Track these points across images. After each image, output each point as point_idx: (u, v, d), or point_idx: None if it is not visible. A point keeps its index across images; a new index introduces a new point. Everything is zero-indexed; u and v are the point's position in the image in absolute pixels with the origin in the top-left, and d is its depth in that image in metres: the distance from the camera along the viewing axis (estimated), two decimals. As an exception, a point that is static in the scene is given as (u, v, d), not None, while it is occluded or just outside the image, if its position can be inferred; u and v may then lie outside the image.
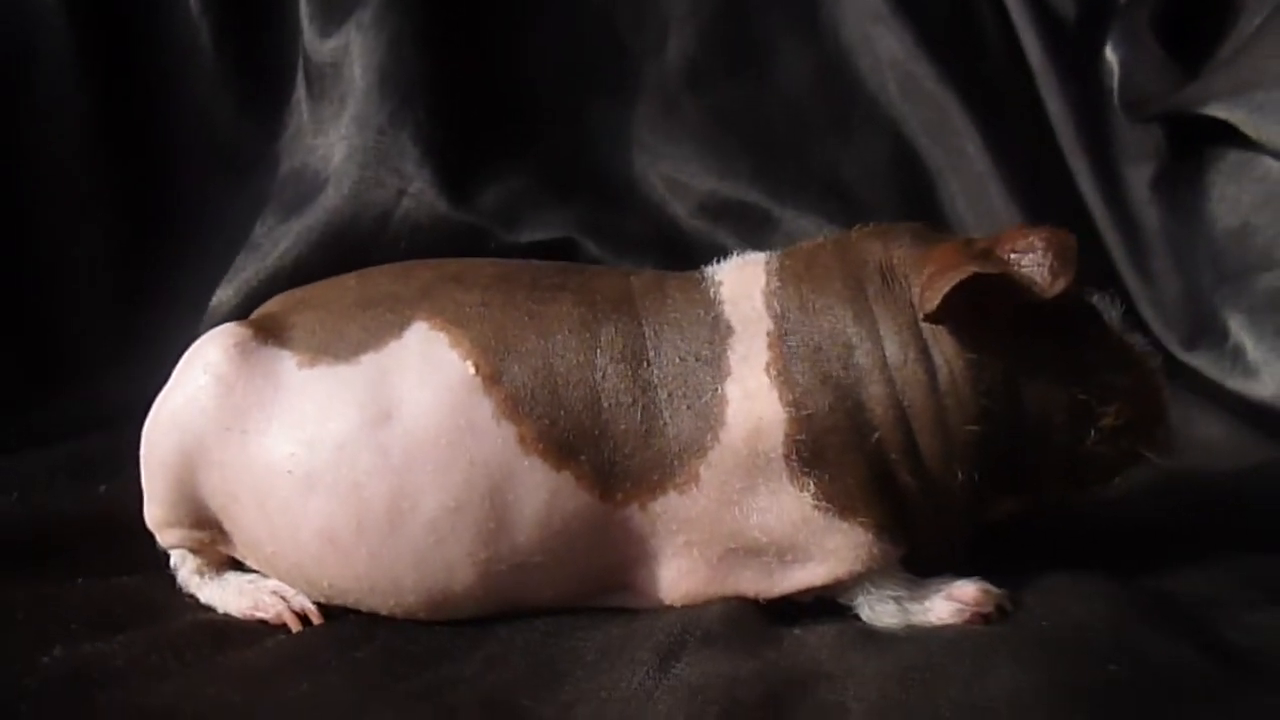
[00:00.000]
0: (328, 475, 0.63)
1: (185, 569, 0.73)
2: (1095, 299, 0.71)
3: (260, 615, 0.69)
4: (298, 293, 0.77)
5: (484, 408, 0.64)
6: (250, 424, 0.66)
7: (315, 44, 1.11)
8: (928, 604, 0.64)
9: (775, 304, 0.66)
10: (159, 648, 0.63)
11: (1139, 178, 1.27)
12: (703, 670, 0.52)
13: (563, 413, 0.64)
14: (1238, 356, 1.12)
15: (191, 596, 0.73)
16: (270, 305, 0.77)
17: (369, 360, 0.66)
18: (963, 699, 0.49)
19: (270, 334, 0.69)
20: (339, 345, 0.67)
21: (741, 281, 0.68)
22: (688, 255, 1.14)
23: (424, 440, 0.63)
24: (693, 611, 0.62)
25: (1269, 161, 1.06)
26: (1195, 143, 1.20)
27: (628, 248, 1.10)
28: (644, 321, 0.67)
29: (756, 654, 0.55)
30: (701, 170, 1.17)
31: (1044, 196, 1.27)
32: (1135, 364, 0.67)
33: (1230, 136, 1.13)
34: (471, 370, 0.65)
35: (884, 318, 0.64)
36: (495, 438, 0.63)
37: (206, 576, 0.73)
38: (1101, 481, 0.69)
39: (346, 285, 0.75)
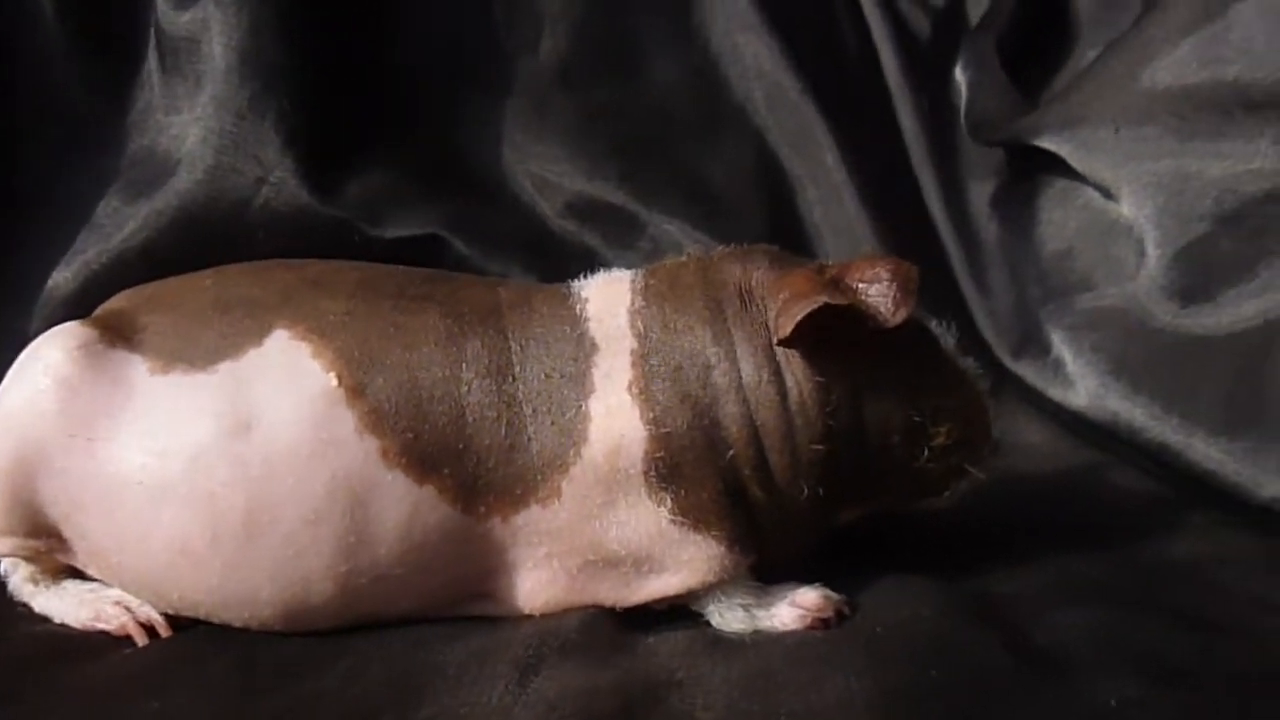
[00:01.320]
0: (181, 486, 0.62)
1: (17, 576, 0.71)
2: (932, 325, 0.77)
3: (102, 626, 0.67)
4: (147, 289, 0.74)
5: (346, 421, 0.64)
6: (97, 431, 0.64)
7: (169, 15, 1.06)
8: (773, 610, 0.68)
9: (639, 323, 0.68)
10: (-6, 668, 0.60)
11: (980, 194, 1.36)
12: (561, 683, 0.55)
13: (427, 427, 0.65)
14: (1058, 368, 1.21)
15: (24, 605, 0.70)
16: (116, 301, 0.74)
17: (226, 369, 0.65)
18: (799, 706, 0.53)
19: (119, 335, 0.67)
20: (194, 351, 0.66)
21: (607, 299, 0.70)
22: (555, 256, 1.17)
23: (284, 452, 0.63)
24: (551, 621, 0.65)
25: (1092, 192, 1.16)
26: (1029, 167, 1.31)
27: (495, 247, 1.10)
28: (510, 336, 0.68)
29: (612, 664, 0.58)
30: (570, 170, 1.18)
31: (894, 208, 1.34)
32: (965, 387, 0.74)
33: (1060, 165, 1.23)
34: (334, 382, 0.64)
35: (741, 339, 0.68)
36: (357, 451, 0.63)
37: (41, 585, 0.70)
38: (934, 494, 0.75)
39: (201, 285, 0.73)
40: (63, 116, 1.08)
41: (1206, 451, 0.95)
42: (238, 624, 0.65)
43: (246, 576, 0.63)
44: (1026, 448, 1.24)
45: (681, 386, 0.66)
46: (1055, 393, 1.24)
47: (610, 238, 1.17)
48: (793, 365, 0.67)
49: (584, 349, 0.67)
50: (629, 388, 0.66)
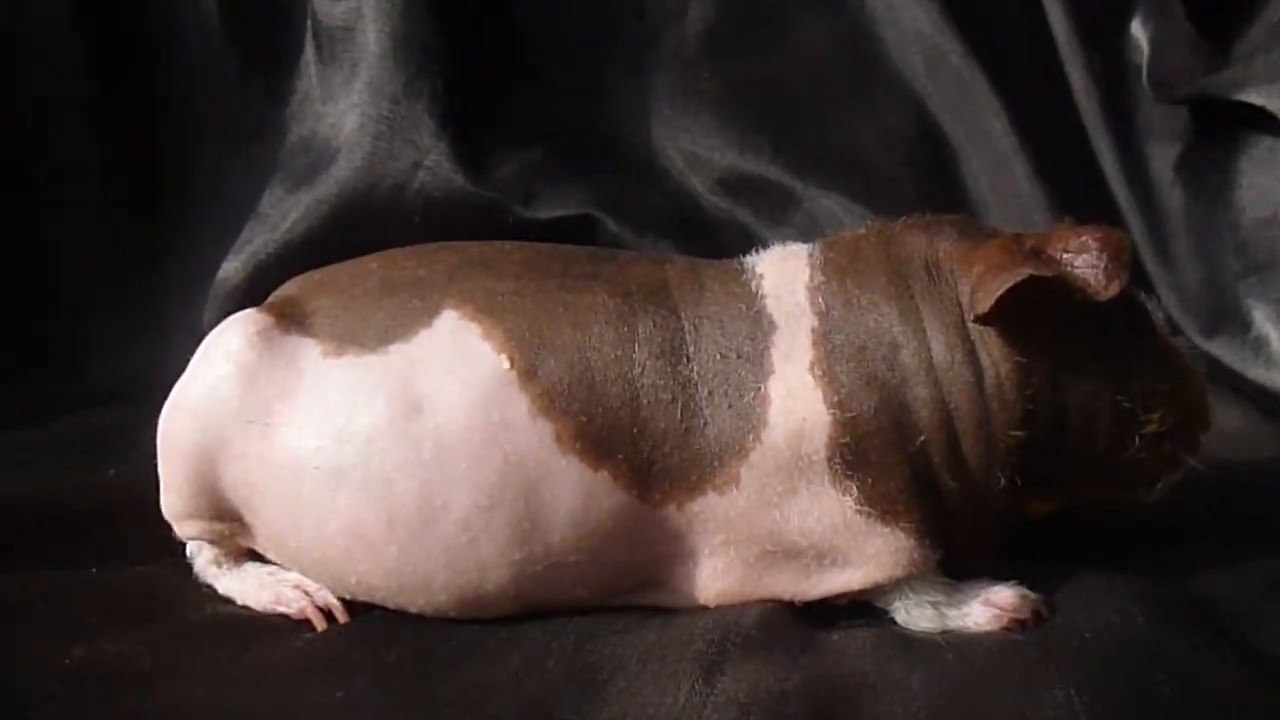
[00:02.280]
0: (356, 471, 0.62)
1: (202, 558, 0.72)
2: (1142, 299, 0.70)
3: (282, 610, 0.68)
4: (316, 275, 0.74)
5: (519, 404, 0.62)
6: (274, 416, 0.64)
7: (325, 6, 1.08)
8: (965, 609, 0.63)
9: (819, 299, 0.64)
10: (183, 647, 0.61)
11: (1163, 158, 1.25)
12: (748, 684, 0.52)
13: (600, 410, 0.62)
14: (1260, 347, 1.11)
15: (209, 587, 0.72)
16: (288, 288, 0.74)
17: (397, 350, 0.64)
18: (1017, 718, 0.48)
19: (292, 321, 0.67)
20: (365, 333, 0.66)
21: (784, 274, 0.66)
22: (708, 233, 1.14)
23: (456, 436, 0.62)
24: (729, 615, 0.62)
25: (1304, 153, 1.05)
26: (1224, 126, 1.19)
27: (647, 225, 1.08)
28: (682, 314, 0.65)
29: (800, 664, 0.55)
30: (721, 144, 1.15)
31: (1066, 176, 1.25)
32: (1180, 370, 0.67)
33: (1262, 123, 1.12)
34: (506, 364, 0.63)
35: (930, 316, 0.63)
36: (530, 435, 0.62)
37: (225, 567, 0.72)
38: (1144, 486, 0.67)
39: (368, 268, 0.73)
40: (225, 109, 1.11)
41: None
42: (413, 609, 0.65)
43: (421, 562, 0.62)
44: (1225, 434, 1.14)
45: (867, 367, 0.62)
46: (1257, 373, 1.14)
47: (764, 213, 1.13)
48: (989, 344, 0.62)
49: (761, 328, 0.64)
50: (811, 368, 0.62)
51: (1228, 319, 1.20)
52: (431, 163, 1.02)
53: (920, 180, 1.19)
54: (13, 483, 0.84)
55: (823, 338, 0.63)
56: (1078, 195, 1.25)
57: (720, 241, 1.11)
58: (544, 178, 1.05)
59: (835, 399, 0.62)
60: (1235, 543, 0.77)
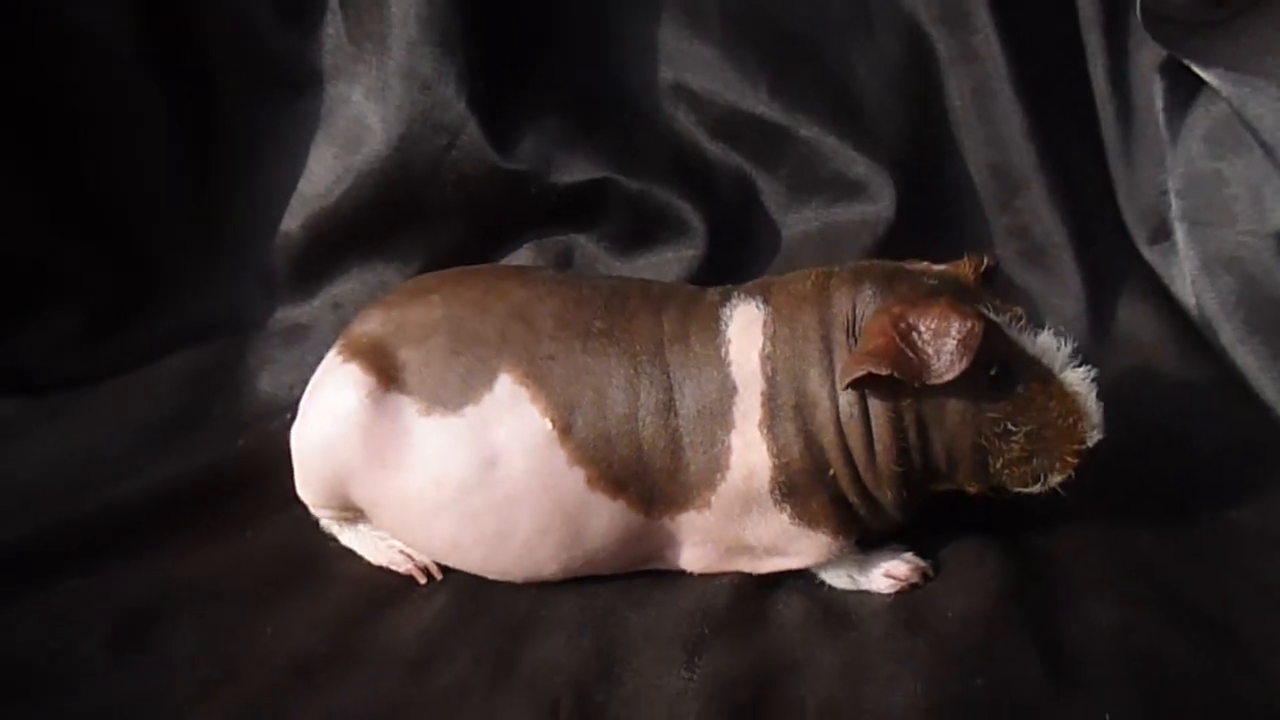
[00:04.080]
0: (450, 507, 0.92)
1: (326, 518, 1.04)
2: (1040, 337, 0.91)
3: (394, 568, 1.00)
4: (392, 311, 0.99)
5: (560, 457, 0.91)
6: (388, 460, 0.93)
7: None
8: (870, 577, 0.95)
9: (768, 368, 0.90)
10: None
11: (1148, 61, 1.35)
12: (714, 669, 0.83)
13: (616, 457, 0.91)
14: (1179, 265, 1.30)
15: (333, 539, 1.03)
16: (369, 324, 0.99)
17: (471, 412, 0.92)
18: (879, 705, 0.80)
19: (389, 378, 0.94)
20: (445, 394, 0.93)
21: (745, 341, 0.92)
22: (711, 180, 1.32)
23: (519, 483, 0.91)
24: (705, 597, 0.93)
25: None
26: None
27: (658, 180, 1.26)
28: (671, 375, 0.92)
29: (752, 644, 0.87)
30: (722, 86, 1.28)
31: (1051, 81, 1.37)
32: (1041, 411, 0.88)
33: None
34: (550, 426, 0.91)
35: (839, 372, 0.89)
36: (570, 479, 0.91)
37: (344, 524, 1.03)
38: (1021, 488, 0.92)
39: (433, 313, 0.97)
40: (265, 60, 1.26)
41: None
42: (491, 578, 0.97)
43: (498, 564, 0.94)
44: (1141, 345, 1.39)
45: (797, 422, 0.89)
46: (1178, 288, 1.35)
47: (759, 157, 1.30)
48: (874, 402, 0.88)
49: (727, 390, 0.91)
50: (759, 425, 0.90)
51: (1165, 230, 1.40)
52: (462, 143, 1.19)
53: (907, 107, 1.32)
54: (156, 462, 1.10)
55: (769, 399, 0.90)
56: (1059, 97, 1.39)
57: (720, 188, 1.30)
58: (561, 145, 1.22)
59: (775, 449, 0.89)
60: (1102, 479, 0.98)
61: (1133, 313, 1.36)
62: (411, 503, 0.93)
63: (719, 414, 0.90)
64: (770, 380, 0.90)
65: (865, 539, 0.96)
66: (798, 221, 1.32)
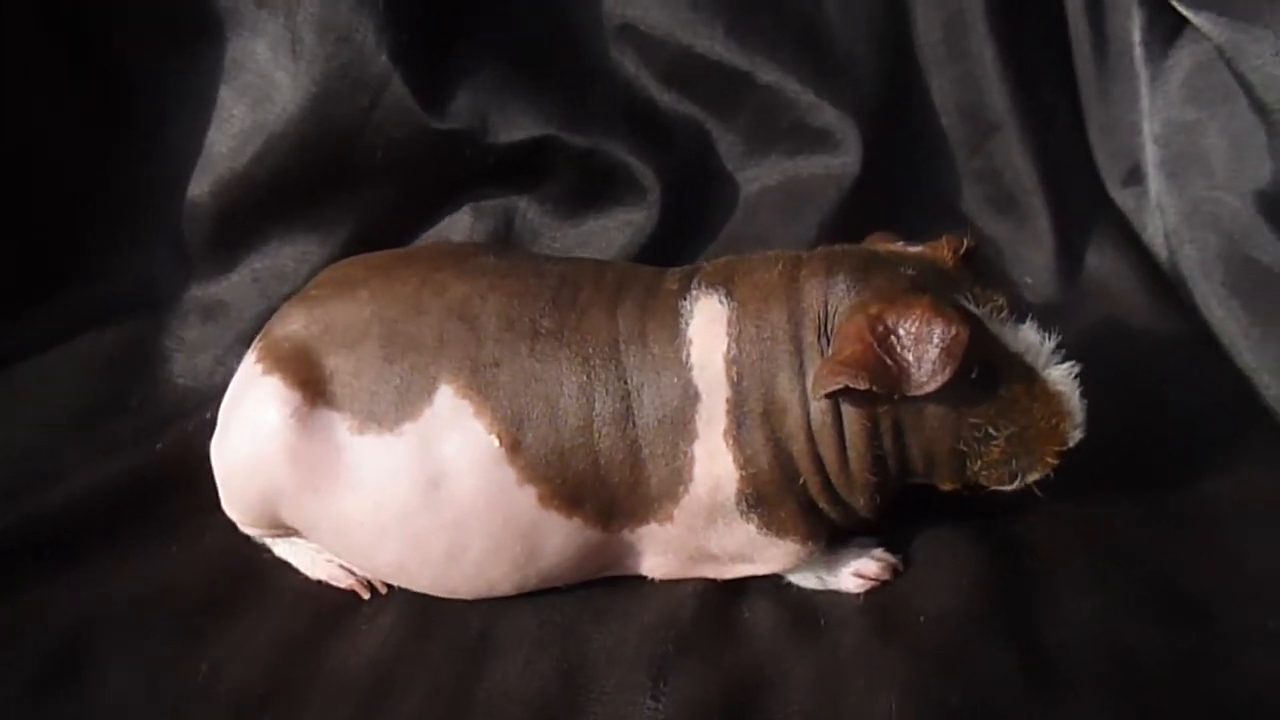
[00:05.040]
0: (394, 530, 0.86)
1: (256, 534, 0.97)
2: (1021, 332, 0.87)
3: (334, 583, 0.94)
4: (316, 310, 0.91)
5: (509, 475, 0.85)
6: (320, 484, 0.86)
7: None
8: (839, 578, 0.92)
9: (733, 372, 0.85)
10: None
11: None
12: (683, 695, 0.81)
13: (570, 473, 0.86)
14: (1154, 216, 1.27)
15: (267, 550, 0.97)
16: (289, 324, 0.91)
17: (410, 430, 0.85)
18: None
19: (315, 392, 0.86)
20: (380, 409, 0.86)
21: (707, 343, 0.86)
22: (663, 131, 1.23)
23: (466, 503, 0.85)
24: (669, 610, 0.89)
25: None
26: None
27: (605, 135, 1.16)
28: (629, 380, 0.86)
29: (721, 661, 0.84)
30: (675, 25, 1.17)
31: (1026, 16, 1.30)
32: (1025, 413, 0.85)
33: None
34: (496, 442, 0.85)
35: (811, 376, 0.83)
36: (521, 498, 0.85)
37: (278, 538, 0.97)
38: (997, 486, 0.89)
39: (361, 311, 0.89)
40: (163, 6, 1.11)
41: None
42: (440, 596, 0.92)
43: (448, 584, 0.89)
44: (1111, 296, 1.36)
45: (765, 430, 0.85)
46: (1149, 234, 1.31)
47: (715, 106, 1.21)
48: (848, 409, 0.83)
49: (689, 396, 0.85)
50: (724, 435, 0.85)
51: (1139, 172, 1.35)
52: (386, 103, 1.07)
53: (875, 52, 1.24)
54: (68, 467, 1.02)
55: (734, 406, 0.85)
56: (1032, 32, 1.31)
57: (674, 139, 1.21)
58: (498, 100, 1.11)
59: (742, 460, 0.85)
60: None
61: (1102, 262, 1.33)
62: (350, 527, 0.88)
63: (681, 423, 0.85)
64: (736, 386, 0.84)
65: (833, 534, 0.93)
66: (757, 176, 1.24)
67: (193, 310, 1.18)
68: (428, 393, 0.85)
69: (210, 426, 0.95)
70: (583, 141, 1.15)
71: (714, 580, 0.92)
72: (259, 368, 0.89)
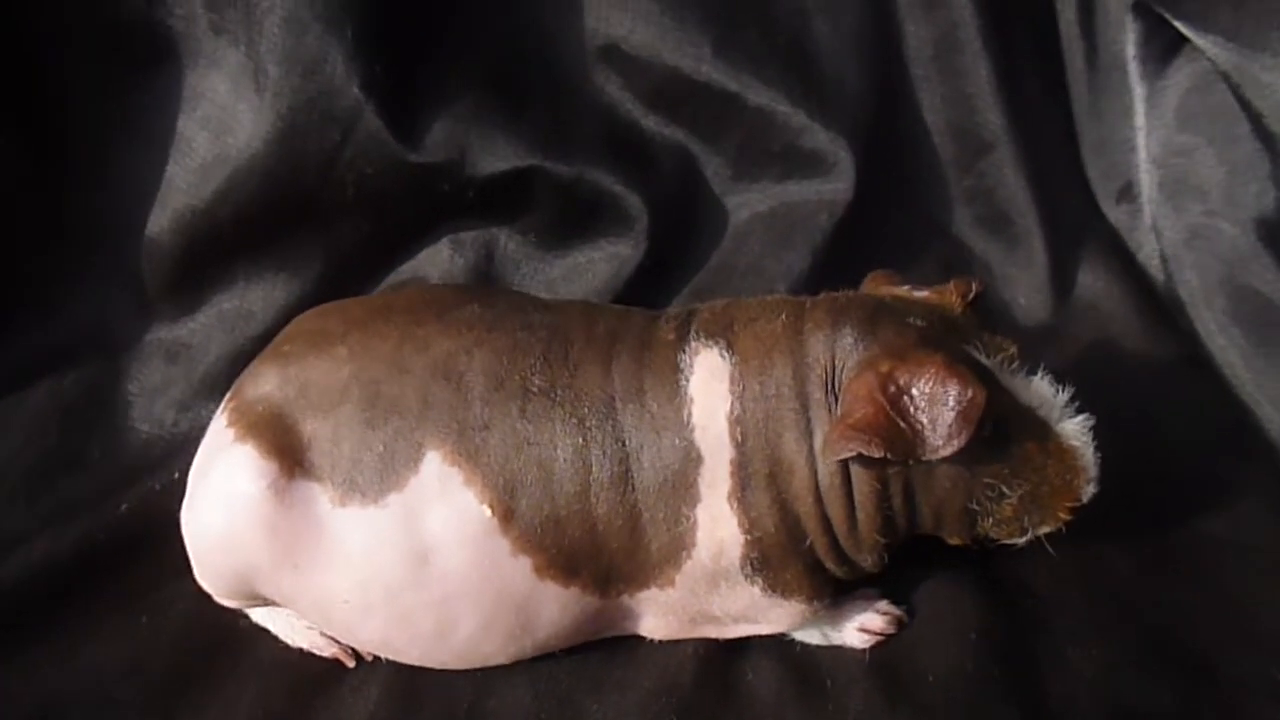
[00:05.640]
0: (380, 608, 0.82)
1: (232, 605, 0.92)
2: (1034, 385, 0.83)
3: (317, 652, 0.90)
4: (290, 369, 0.86)
5: (502, 546, 0.81)
6: (300, 561, 0.82)
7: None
8: (843, 633, 0.89)
9: (737, 432, 0.81)
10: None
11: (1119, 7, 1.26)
12: None
13: (566, 541, 0.82)
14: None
15: (244, 615, 0.92)
16: (263, 384, 0.85)
17: (395, 501, 0.80)
18: None
19: (293, 460, 0.81)
20: (363, 479, 0.81)
21: (709, 400, 0.82)
22: (649, 158, 1.18)
23: (457, 578, 0.81)
24: (671, 672, 0.86)
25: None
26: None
27: (590, 163, 1.11)
28: (626, 442, 0.82)
29: None
30: (661, 46, 1.12)
31: (1018, 26, 1.26)
32: (1040, 470, 0.82)
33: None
34: (488, 513, 0.80)
35: (818, 435, 0.80)
36: (515, 570, 0.81)
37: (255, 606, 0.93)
38: (1009, 540, 0.86)
39: (340, 370, 0.84)
40: (122, 28, 1.04)
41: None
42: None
43: (438, 658, 0.85)
44: (1105, 318, 1.33)
45: (771, 492, 0.81)
46: (1144, 254, 1.29)
47: (703, 130, 1.17)
48: (857, 471, 0.80)
49: (691, 459, 0.81)
50: (728, 498, 0.81)
51: (1133, 189, 1.33)
52: (358, 138, 1.02)
53: (864, 70, 1.20)
54: (25, 531, 0.96)
55: (739, 468, 0.81)
56: (1024, 43, 1.28)
57: (661, 163, 1.17)
58: (476, 131, 1.06)
59: (746, 523, 0.82)
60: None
61: (1095, 282, 1.31)
62: (333, 604, 0.83)
63: (682, 486, 0.81)
64: (740, 446, 0.81)
65: (837, 588, 0.90)
66: (746, 202, 1.20)
67: (154, 354, 1.12)
68: (413, 460, 0.81)
69: (178, 487, 0.90)
70: (565, 170, 1.10)
71: (715, 639, 0.90)
72: (230, 433, 0.84)
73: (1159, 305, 1.24)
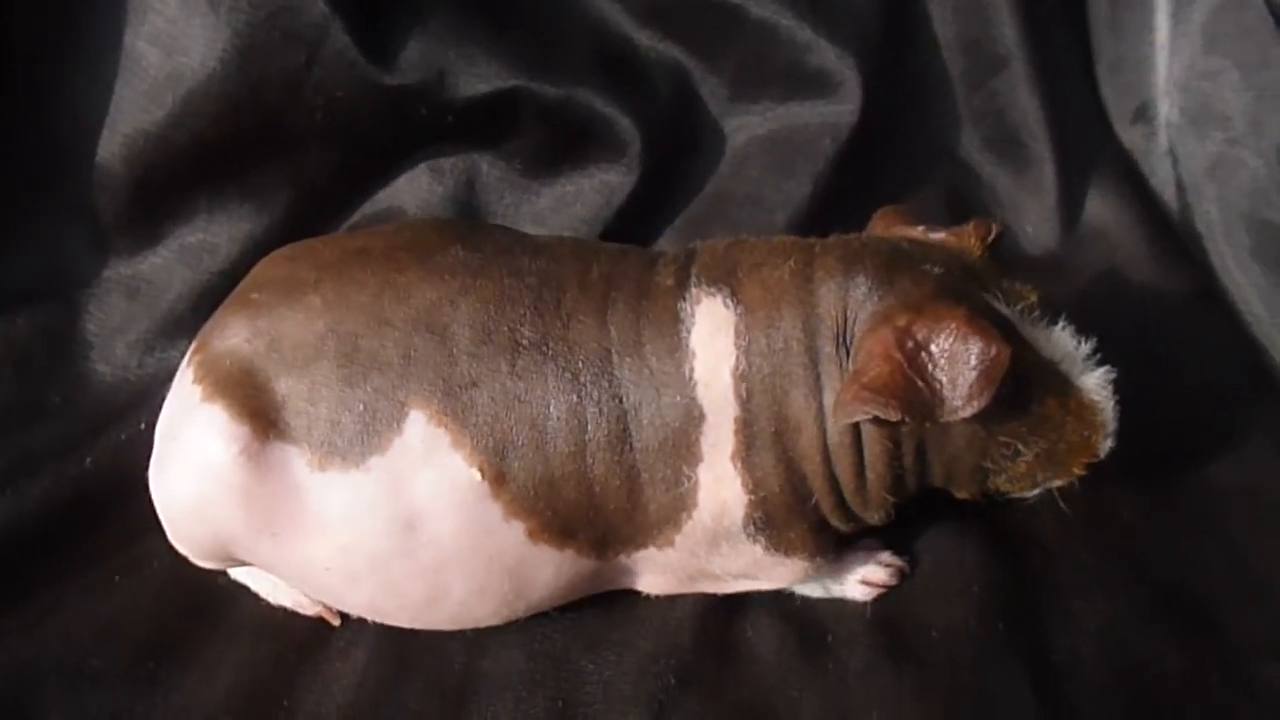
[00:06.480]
0: (366, 576, 0.78)
1: (210, 566, 0.88)
2: (1055, 336, 0.79)
3: (301, 611, 0.87)
4: (260, 320, 0.79)
5: (494, 510, 0.77)
6: (278, 527, 0.77)
7: None
8: (844, 585, 0.87)
9: (743, 389, 0.77)
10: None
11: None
12: None
13: (561, 503, 0.78)
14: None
15: (221, 573, 0.89)
16: (234, 339, 0.79)
17: (378, 465, 0.76)
18: None
19: (266, 422, 0.76)
20: (343, 441, 0.76)
21: (713, 355, 0.77)
22: (642, 78, 1.10)
23: (448, 544, 0.77)
24: (669, 631, 0.84)
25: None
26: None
27: (579, 83, 1.03)
28: (625, 399, 0.77)
29: (723, 694, 0.79)
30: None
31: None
32: (1059, 426, 0.78)
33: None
34: (478, 476, 0.76)
35: (829, 398, 0.76)
36: (508, 534, 0.77)
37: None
38: (1019, 494, 0.84)
39: (312, 316, 0.78)
40: None
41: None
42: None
43: (428, 622, 0.82)
44: (1114, 247, 1.28)
45: (777, 451, 0.77)
46: (1158, 180, 1.23)
47: (699, 47, 1.09)
48: (866, 427, 0.76)
49: (693, 417, 0.77)
50: (732, 457, 0.77)
51: (1150, 111, 1.26)
52: (325, 58, 0.93)
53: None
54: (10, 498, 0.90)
55: (744, 426, 0.77)
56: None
57: (655, 85, 1.08)
58: (455, 49, 0.97)
59: (751, 483, 0.78)
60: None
61: (1105, 210, 1.26)
62: (315, 571, 0.79)
63: (683, 445, 0.77)
64: (745, 404, 0.76)
65: (839, 541, 0.87)
66: (744, 125, 1.12)
67: (112, 291, 1.04)
68: (396, 421, 0.76)
69: (144, 438, 0.85)
70: (552, 92, 1.02)
71: (713, 594, 0.87)
72: (198, 390, 0.78)
73: (1171, 235, 1.20)
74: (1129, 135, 1.25)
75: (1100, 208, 1.25)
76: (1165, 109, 1.13)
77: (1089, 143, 1.23)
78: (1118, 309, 1.17)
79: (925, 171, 1.17)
